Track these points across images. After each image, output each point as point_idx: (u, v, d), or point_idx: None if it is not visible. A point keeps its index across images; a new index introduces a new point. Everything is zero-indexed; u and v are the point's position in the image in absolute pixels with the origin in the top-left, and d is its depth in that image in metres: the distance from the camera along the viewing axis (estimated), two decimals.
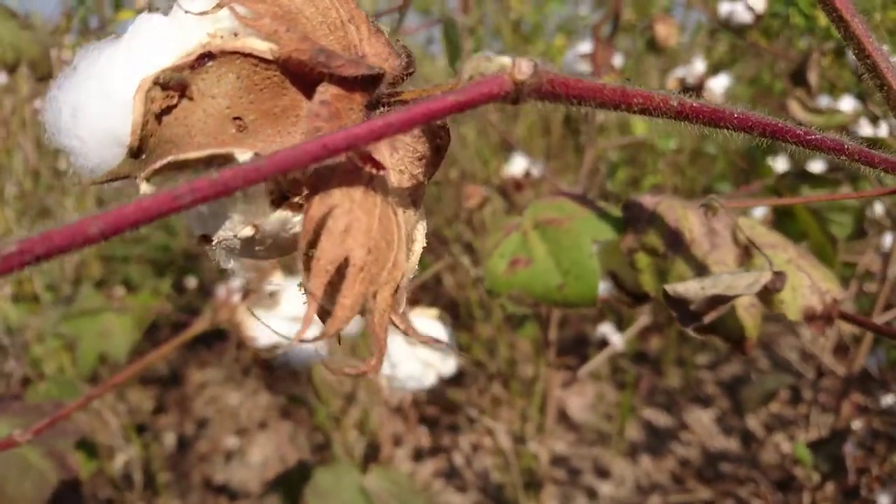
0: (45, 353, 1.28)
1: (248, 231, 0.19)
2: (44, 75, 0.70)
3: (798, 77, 1.33)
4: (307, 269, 0.18)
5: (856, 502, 1.15)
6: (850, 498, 1.18)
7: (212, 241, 0.19)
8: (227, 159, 0.17)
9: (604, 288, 0.48)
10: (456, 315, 2.46)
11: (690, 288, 0.29)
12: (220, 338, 2.19)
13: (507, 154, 1.86)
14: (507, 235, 0.45)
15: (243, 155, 0.17)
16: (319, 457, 1.79)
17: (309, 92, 0.18)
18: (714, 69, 0.87)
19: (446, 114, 0.17)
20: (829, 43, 1.98)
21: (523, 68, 0.17)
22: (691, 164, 1.39)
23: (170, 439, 1.95)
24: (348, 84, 0.18)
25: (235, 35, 0.18)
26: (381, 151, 0.20)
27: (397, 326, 0.19)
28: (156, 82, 0.17)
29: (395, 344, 0.62)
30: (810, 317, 0.37)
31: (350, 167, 0.18)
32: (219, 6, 0.17)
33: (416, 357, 0.62)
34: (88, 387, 1.03)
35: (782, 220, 0.53)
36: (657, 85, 1.43)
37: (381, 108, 0.19)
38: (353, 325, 0.71)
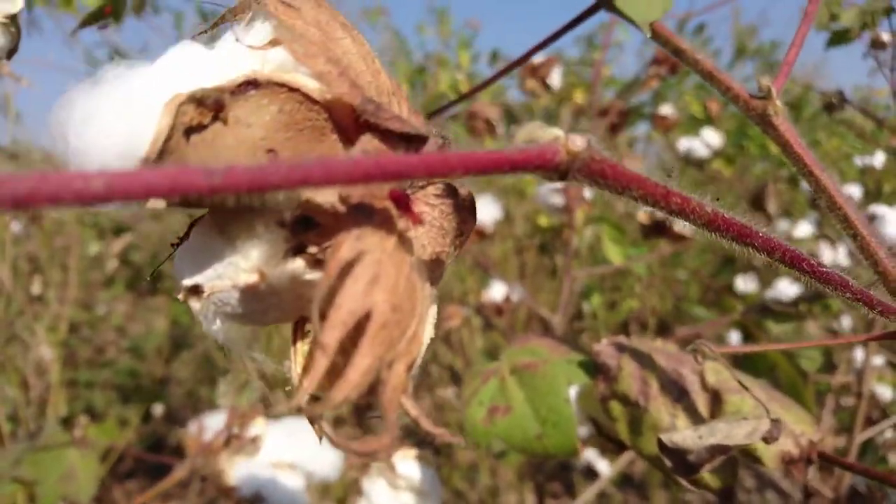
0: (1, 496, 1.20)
1: (251, 279, 0.17)
2: None
3: (756, 203, 1.41)
4: (323, 318, 0.15)
5: None
6: None
7: (203, 292, 0.17)
8: (275, 213, 0.17)
9: (585, 431, 0.48)
10: (433, 440, 2.38)
11: (687, 437, 0.30)
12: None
13: (481, 273, 1.90)
14: (485, 382, 0.45)
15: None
16: None
17: (347, 142, 0.18)
18: None
19: (499, 168, 0.16)
20: (783, 171, 2.11)
21: (577, 142, 0.17)
22: (665, 287, 1.43)
23: None
24: (391, 140, 0.17)
25: (282, 69, 0.17)
26: (420, 207, 0.19)
27: (408, 413, 0.17)
28: (191, 98, 0.16)
29: (379, 487, 0.60)
30: (788, 462, 0.37)
31: (387, 215, 0.17)
32: (272, 43, 0.17)
33: (400, 501, 0.60)
34: None
35: (751, 355, 0.54)
36: (623, 217, 1.50)
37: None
38: (331, 469, 0.68)
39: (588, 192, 1.11)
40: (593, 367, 0.45)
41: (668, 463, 0.34)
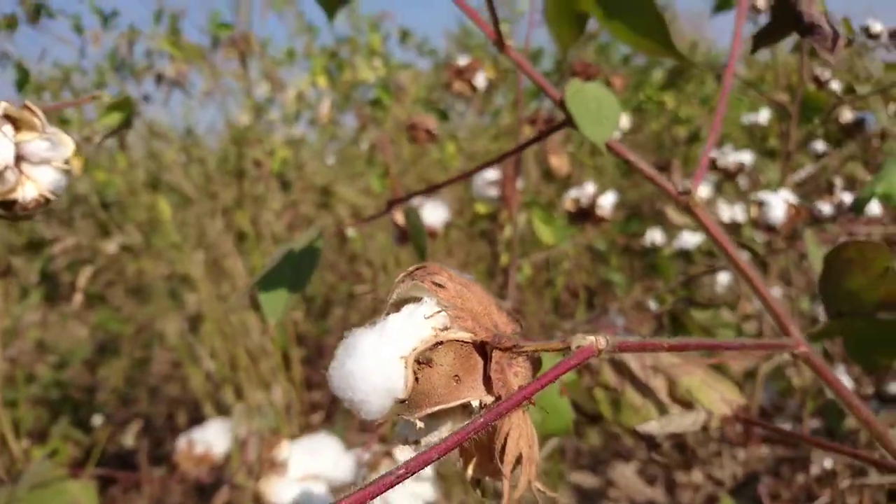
0: None
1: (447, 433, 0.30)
2: None
3: (662, 170, 1.59)
4: (501, 461, 0.29)
5: None
6: None
7: (418, 442, 0.31)
8: (465, 406, 0.30)
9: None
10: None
11: (653, 427, 0.43)
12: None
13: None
14: None
15: (474, 401, 0.30)
16: None
17: (481, 352, 0.31)
18: (602, 189, 1.07)
19: (566, 372, 0.29)
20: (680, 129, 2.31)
21: (601, 343, 0.30)
22: (589, 260, 1.62)
23: None
24: (506, 349, 0.31)
25: (449, 329, 0.31)
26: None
27: (542, 490, 0.31)
28: (415, 358, 0.29)
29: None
30: (725, 421, 0.51)
31: (518, 404, 0.30)
32: (438, 312, 0.30)
33: (406, 490, 0.70)
34: None
35: (680, 334, 0.69)
36: (554, 202, 1.64)
37: (514, 355, 0.32)
38: (348, 473, 0.78)
39: (520, 183, 1.23)
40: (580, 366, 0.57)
41: (643, 443, 0.47)
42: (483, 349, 0.31)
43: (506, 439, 0.29)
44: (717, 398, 0.51)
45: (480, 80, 1.22)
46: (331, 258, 2.34)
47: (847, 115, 1.42)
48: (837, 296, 0.53)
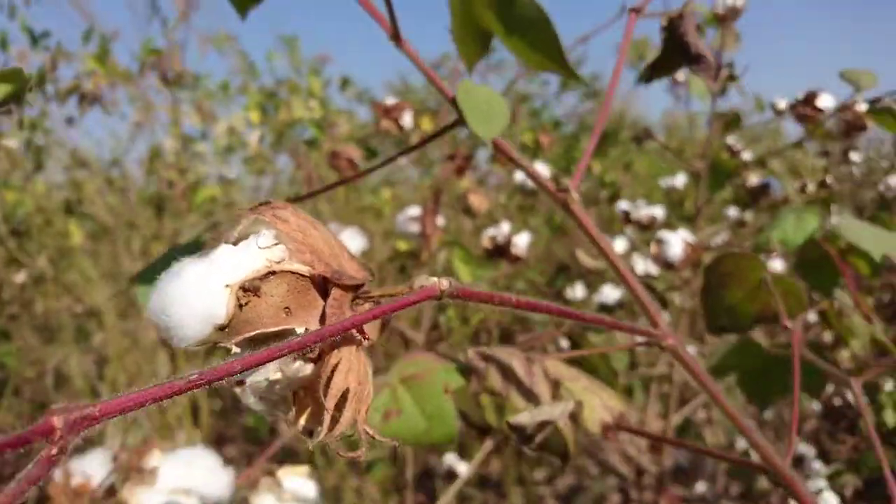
0: None
1: (277, 375, 0.28)
2: None
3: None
4: (324, 394, 0.28)
5: None
6: None
7: (244, 383, 0.29)
8: (287, 333, 0.28)
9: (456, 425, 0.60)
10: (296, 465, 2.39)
11: (524, 417, 0.41)
12: None
13: None
14: (379, 393, 0.55)
15: (300, 329, 0.28)
16: None
17: (322, 292, 0.30)
18: (517, 229, 1.09)
19: (407, 305, 0.28)
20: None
21: (444, 284, 0.29)
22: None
23: None
24: (346, 288, 0.30)
25: (285, 260, 0.29)
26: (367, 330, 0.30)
27: (369, 433, 0.29)
28: (241, 286, 0.27)
29: (267, 502, 0.66)
30: (605, 427, 0.50)
31: (351, 337, 0.29)
32: (276, 244, 0.29)
33: None
34: None
35: (579, 358, 0.69)
36: (472, 239, 1.66)
37: (360, 301, 0.31)
38: (224, 490, 0.73)
39: (441, 220, 1.24)
40: (467, 371, 0.56)
41: (515, 437, 0.46)
42: (325, 289, 0.29)
43: (333, 372, 0.28)
44: (599, 403, 0.51)
45: (407, 119, 1.24)
46: None
47: (753, 179, 1.52)
48: (717, 311, 0.54)
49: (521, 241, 1.08)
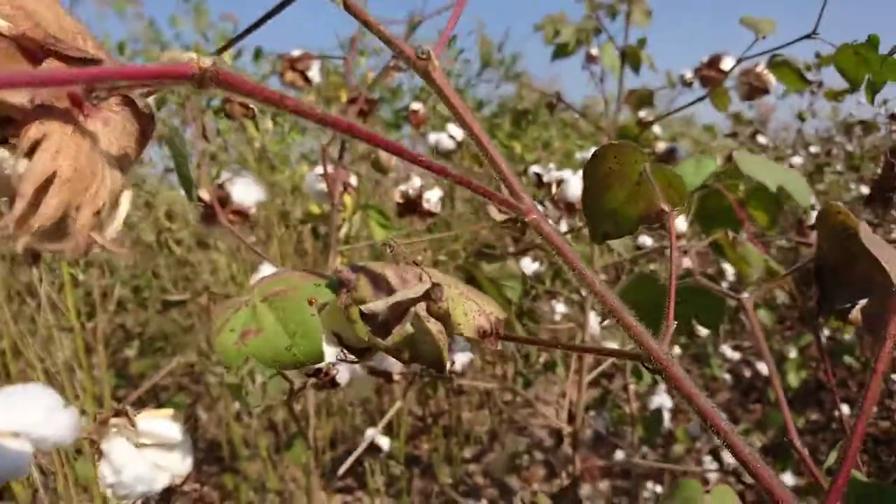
0: None
1: None
2: None
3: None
4: (21, 179, 0.21)
5: None
6: None
7: None
8: None
9: (331, 353, 0.54)
10: (220, 458, 2.29)
11: (378, 304, 0.37)
12: None
13: (253, 258, 1.89)
14: (237, 312, 0.49)
15: None
16: None
17: (37, 65, 0.23)
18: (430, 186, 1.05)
19: (150, 77, 0.23)
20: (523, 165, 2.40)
21: (206, 62, 0.24)
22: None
23: None
24: (72, 63, 0.23)
25: None
26: (92, 113, 0.24)
27: (99, 242, 0.23)
28: None
29: (119, 446, 0.58)
30: (482, 334, 0.47)
31: (66, 111, 0.23)
32: None
33: (145, 459, 0.59)
34: None
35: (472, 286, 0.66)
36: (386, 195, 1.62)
37: (108, 100, 0.25)
38: (65, 433, 0.64)
39: (353, 179, 1.19)
40: (337, 285, 0.51)
41: (369, 328, 0.41)
42: (37, 54, 0.23)
43: (32, 150, 0.22)
44: (475, 309, 0.47)
45: (315, 72, 1.18)
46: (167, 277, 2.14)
47: (661, 145, 1.54)
48: (599, 216, 0.52)
49: (434, 196, 1.04)
